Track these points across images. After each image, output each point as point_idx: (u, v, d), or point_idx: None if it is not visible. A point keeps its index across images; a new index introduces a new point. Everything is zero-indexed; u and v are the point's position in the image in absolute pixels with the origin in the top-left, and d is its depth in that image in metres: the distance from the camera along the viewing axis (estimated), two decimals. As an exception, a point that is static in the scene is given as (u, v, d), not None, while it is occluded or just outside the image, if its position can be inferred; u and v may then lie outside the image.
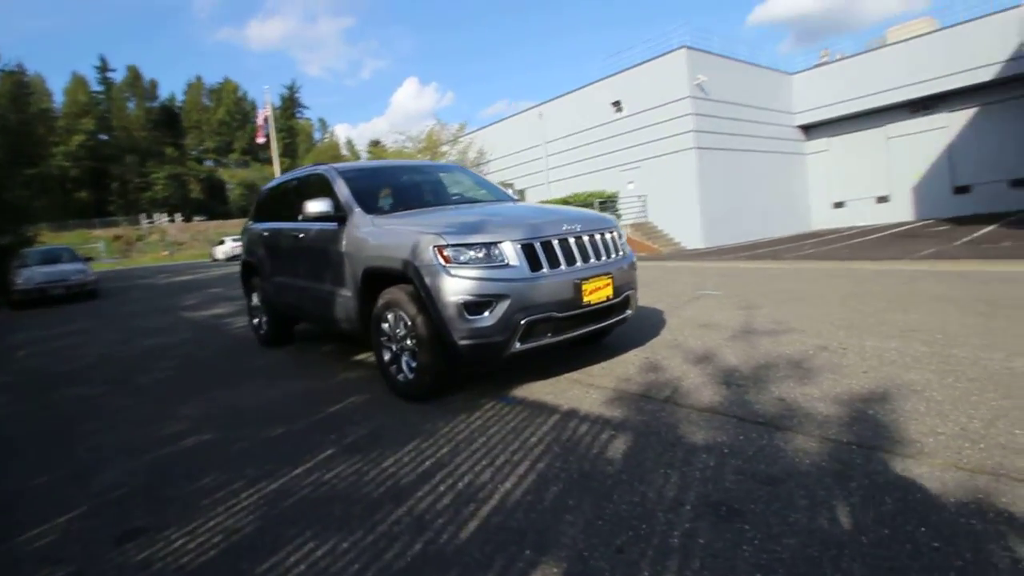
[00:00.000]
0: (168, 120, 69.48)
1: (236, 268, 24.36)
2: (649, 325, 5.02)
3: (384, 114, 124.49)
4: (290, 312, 5.16)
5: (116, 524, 2.34)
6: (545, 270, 3.33)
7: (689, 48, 18.87)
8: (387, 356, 3.67)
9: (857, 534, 1.84)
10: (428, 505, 2.25)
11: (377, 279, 3.69)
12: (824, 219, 23.23)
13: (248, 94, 78.51)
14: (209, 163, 74.77)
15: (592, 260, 3.58)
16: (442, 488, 2.38)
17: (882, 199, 21.90)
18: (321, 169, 4.67)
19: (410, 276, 3.32)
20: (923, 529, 1.84)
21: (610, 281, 3.59)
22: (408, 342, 3.47)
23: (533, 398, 3.42)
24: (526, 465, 2.52)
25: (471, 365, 3.74)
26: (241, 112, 75.70)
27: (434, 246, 3.25)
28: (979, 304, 4.88)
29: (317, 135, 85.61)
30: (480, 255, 3.23)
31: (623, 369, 3.83)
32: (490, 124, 27.15)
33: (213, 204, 66.22)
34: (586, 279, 3.43)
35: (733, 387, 3.29)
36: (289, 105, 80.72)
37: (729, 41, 20.61)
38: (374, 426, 3.18)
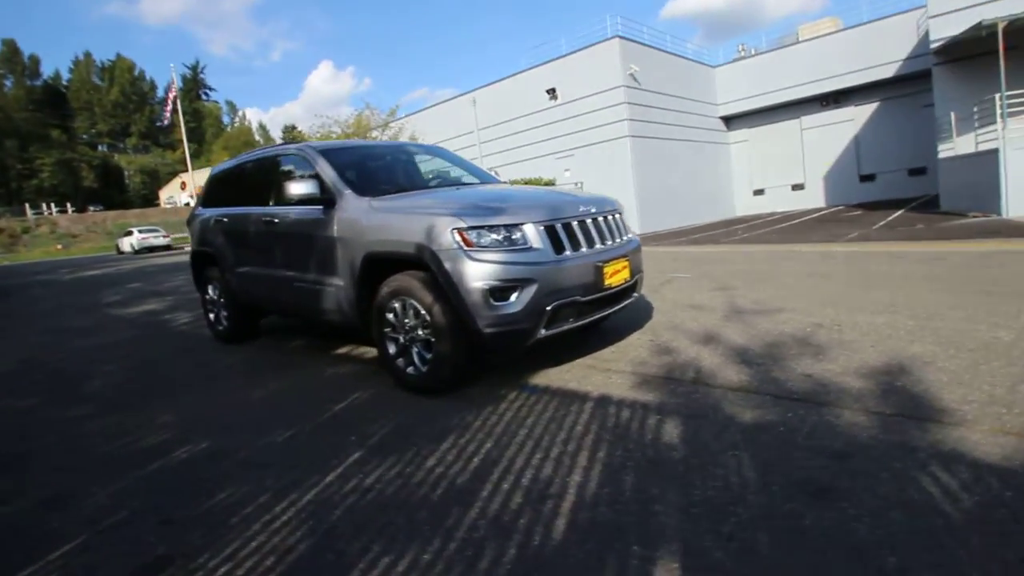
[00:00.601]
0: (53, 100, 62.75)
1: (150, 261, 22.64)
2: (638, 308, 5.01)
3: (298, 98, 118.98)
4: (260, 305, 4.72)
5: (132, 555, 1.99)
6: (568, 253, 3.20)
7: (622, 38, 19.19)
8: (392, 348, 3.42)
9: (953, 504, 1.86)
10: (500, 505, 2.08)
11: (379, 266, 3.41)
12: (746, 205, 24.54)
13: (146, 73, 72.28)
14: (103, 148, 68.24)
15: (608, 242, 3.49)
16: (505, 486, 2.21)
17: (797, 186, 23.41)
18: (295, 147, 4.28)
19: (426, 261, 3.08)
20: (1009, 493, 1.89)
21: (627, 263, 3.52)
22: (420, 332, 3.23)
23: (556, 386, 3.30)
24: (585, 455, 2.40)
25: (494, 354, 3.55)
26: (138, 93, 69.68)
27: (453, 228, 3.03)
28: (933, 281, 5.25)
29: (226, 119, 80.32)
30: (502, 238, 3.05)
31: (635, 352, 3.78)
32: (422, 109, 26.47)
33: (110, 193, 60.74)
34: (606, 262, 3.33)
35: (754, 366, 3.32)
36: (193, 86, 75.14)
37: (651, 34, 21.17)
38: (396, 423, 2.93)
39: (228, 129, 76.37)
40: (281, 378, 3.95)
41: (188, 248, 6.45)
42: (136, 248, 28.97)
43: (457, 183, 4.50)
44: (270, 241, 4.28)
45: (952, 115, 12.35)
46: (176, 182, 60.33)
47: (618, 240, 3.57)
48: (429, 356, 3.20)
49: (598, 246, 3.37)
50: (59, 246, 38.64)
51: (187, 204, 56.47)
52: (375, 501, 2.19)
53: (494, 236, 3.03)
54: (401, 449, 2.62)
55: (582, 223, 3.34)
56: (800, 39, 23.56)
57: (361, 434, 2.85)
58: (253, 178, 4.73)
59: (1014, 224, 9.41)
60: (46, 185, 54.47)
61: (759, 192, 24.52)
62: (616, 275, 3.40)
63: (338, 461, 2.56)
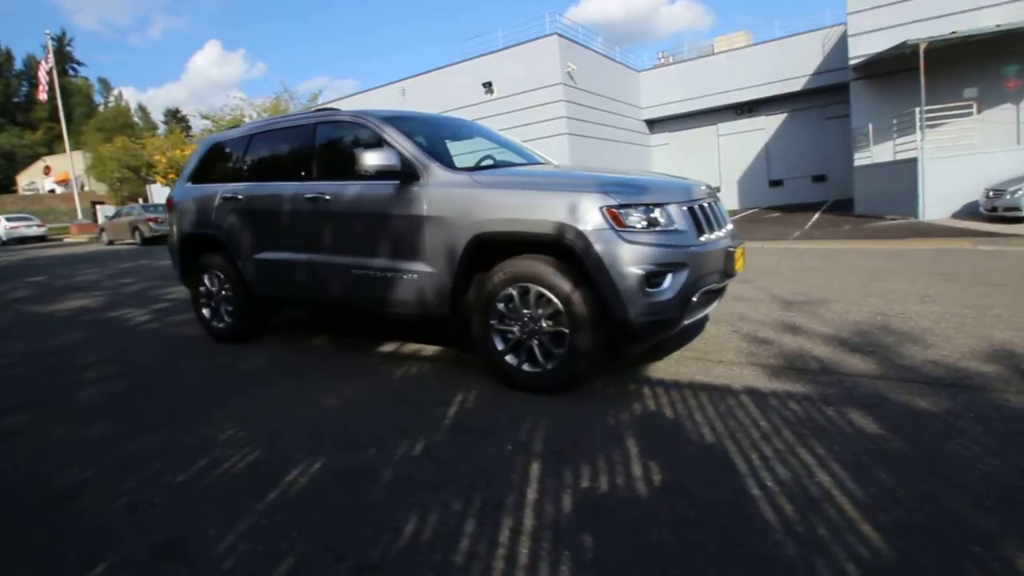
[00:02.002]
0: None
1: (29, 253, 19.51)
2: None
3: (180, 79, 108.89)
4: (286, 297, 4.04)
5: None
6: (706, 236, 2.99)
7: (560, 36, 19.32)
8: (501, 344, 3.02)
9: None
10: (774, 517, 1.80)
11: (492, 250, 3.00)
12: (667, 206, 25.67)
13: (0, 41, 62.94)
14: (-59, 123, 58.54)
15: (725, 228, 3.32)
16: (756, 491, 1.94)
17: (715, 189, 24.87)
18: (349, 114, 3.71)
19: (567, 244, 2.72)
20: None
21: (744, 250, 3.36)
22: (544, 324, 2.87)
23: (682, 379, 3.07)
24: (805, 452, 2.18)
25: (636, 344, 3.22)
26: (-12, 61, 60.43)
27: (603, 207, 2.70)
28: (931, 274, 5.63)
29: (98, 98, 71.77)
30: (651, 218, 2.76)
31: (732, 343, 3.64)
32: (345, 97, 25.06)
33: (-49, 175, 52.17)
34: (733, 248, 3.15)
35: (868, 354, 3.29)
36: (59, 59, 66.27)
37: (584, 34, 21.53)
38: (544, 427, 2.55)
39: (101, 109, 68.17)
40: (343, 381, 3.38)
41: (161, 232, 5.42)
42: (4, 239, 24.95)
43: (532, 161, 4.11)
44: (314, 222, 3.66)
45: (871, 126, 13.59)
46: (38, 166, 52.93)
47: (729, 226, 3.41)
48: (559, 351, 2.84)
49: (719, 231, 3.18)
50: None
51: (52, 191, 49.72)
52: (642, 524, 1.83)
53: (644, 216, 2.75)
54: (582, 456, 2.27)
55: (705, 208, 3.14)
56: (716, 51, 25.09)
57: (515, 441, 2.44)
58: (280, 149, 4.04)
59: (936, 226, 10.49)
60: None
61: (679, 193, 25.75)
62: (739, 261, 3.23)
63: (520, 475, 2.15)
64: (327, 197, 3.56)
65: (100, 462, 2.49)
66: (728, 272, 3.09)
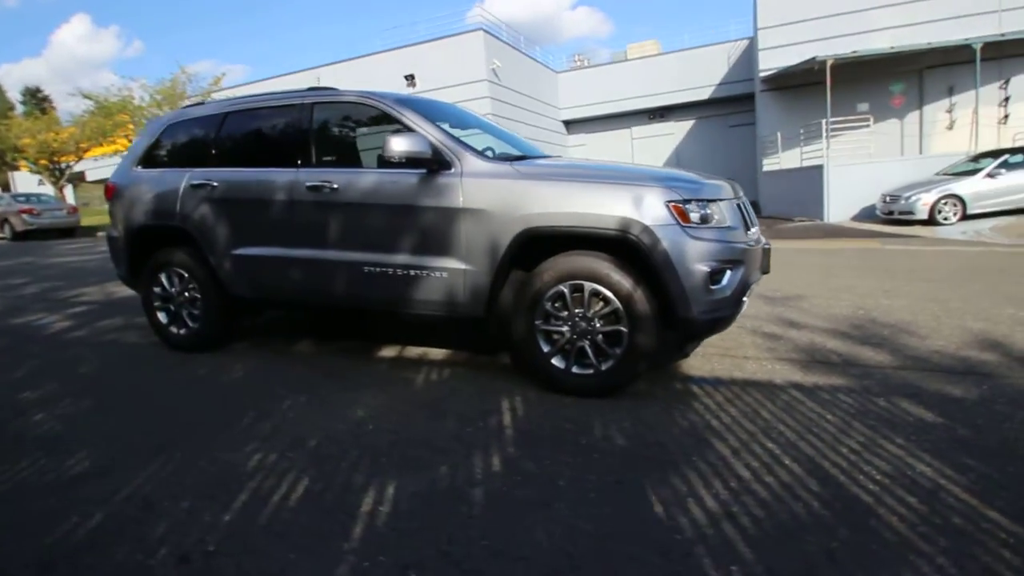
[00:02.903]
0: None
1: None
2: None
3: (41, 55, 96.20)
4: (272, 297, 3.58)
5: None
6: (751, 233, 3.00)
7: (486, 32, 19.19)
8: (547, 346, 2.85)
9: None
10: (907, 511, 1.81)
11: (536, 246, 2.81)
12: (585, 206, 26.37)
13: None
14: None
15: (756, 225, 3.36)
16: (872, 485, 1.94)
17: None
18: (355, 95, 3.34)
19: (634, 239, 2.61)
20: None
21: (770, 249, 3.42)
22: (596, 324, 2.74)
23: (723, 376, 3.08)
24: (891, 446, 2.22)
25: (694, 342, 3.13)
26: None
27: (668, 201, 2.62)
28: (872, 271, 6.15)
29: (-65, 68, 61.87)
30: (708, 213, 2.72)
31: (746, 339, 3.71)
32: (253, 82, 23.28)
33: None
34: (768, 245, 3.20)
35: (881, 346, 3.46)
36: None
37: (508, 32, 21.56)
38: (626, 436, 2.42)
39: (-62, 82, 58.61)
40: (361, 391, 3.03)
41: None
42: None
43: (537, 155, 3.93)
44: (315, 214, 3.26)
45: (779, 135, 14.73)
46: None
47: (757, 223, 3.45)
48: (615, 351, 2.72)
49: (755, 228, 3.21)
50: None
51: None
52: (795, 531, 1.75)
53: (704, 212, 2.69)
54: (680, 462, 2.16)
55: (746, 204, 3.16)
56: (628, 57, 26.12)
57: (598, 449, 2.29)
58: (266, 131, 3.57)
59: (843, 227, 11.56)
60: None
61: (596, 193, 26.52)
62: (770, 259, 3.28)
63: (629, 487, 2.01)
64: (334, 186, 3.19)
65: (106, 505, 2.03)
66: (765, 269, 3.13)
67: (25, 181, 29.71)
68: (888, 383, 2.88)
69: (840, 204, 12.49)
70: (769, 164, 15.50)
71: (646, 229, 2.59)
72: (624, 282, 2.64)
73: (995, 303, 4.34)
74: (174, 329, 3.88)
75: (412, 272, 3.05)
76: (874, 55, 12.51)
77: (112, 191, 4.03)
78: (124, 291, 6.55)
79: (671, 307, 2.64)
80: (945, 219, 10.55)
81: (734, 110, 22.42)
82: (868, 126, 13.74)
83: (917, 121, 14.19)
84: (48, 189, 23.48)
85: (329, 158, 3.38)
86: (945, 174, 11.40)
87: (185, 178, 3.67)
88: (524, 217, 2.77)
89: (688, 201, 2.65)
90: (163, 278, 3.83)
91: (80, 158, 22.70)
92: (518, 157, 3.32)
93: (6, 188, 28.90)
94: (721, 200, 2.80)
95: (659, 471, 2.11)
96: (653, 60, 24.12)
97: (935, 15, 13.05)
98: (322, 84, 21.71)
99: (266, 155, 3.51)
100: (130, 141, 22.52)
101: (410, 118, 3.12)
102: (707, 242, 2.64)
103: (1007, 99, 13.21)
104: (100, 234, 19.62)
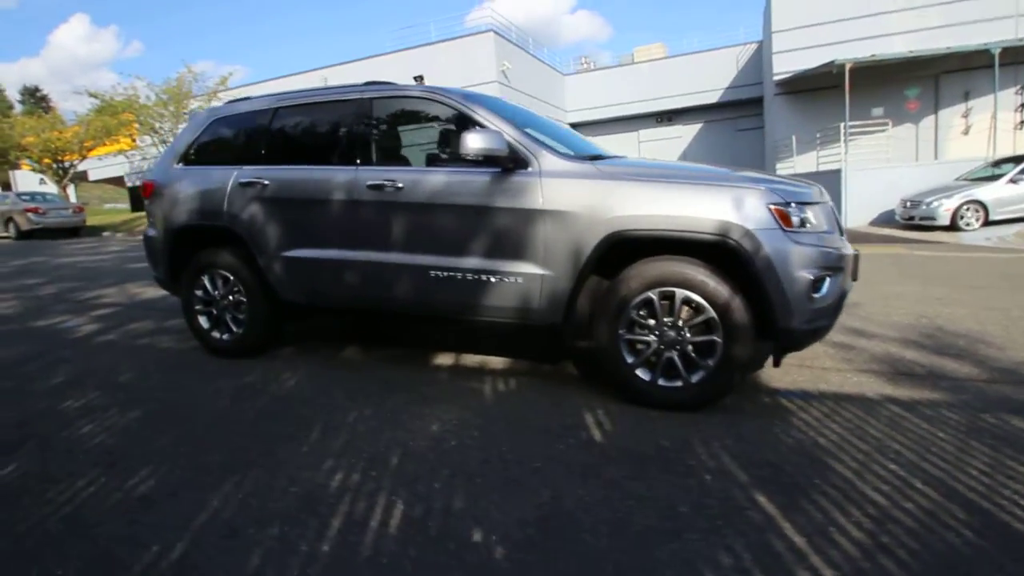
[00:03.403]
0: None
1: None
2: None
3: (39, 55, 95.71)
4: (333, 301, 3.40)
5: None
6: (843, 238, 2.84)
7: (496, 33, 19.07)
8: (632, 357, 2.69)
9: None
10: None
11: (620, 250, 2.65)
12: (591, 209, 26.25)
13: None
14: None
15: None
16: (1020, 510, 1.79)
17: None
18: (419, 90, 3.18)
19: (734, 244, 2.45)
20: None
21: (855, 255, 3.27)
22: (686, 333, 2.58)
23: (811, 389, 2.92)
24: (1027, 468, 2.08)
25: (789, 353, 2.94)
26: None
27: (769, 204, 2.47)
28: (910, 278, 6.02)
29: (-68, 66, 61.42)
30: (806, 217, 2.57)
31: (822, 350, 3.54)
32: (259, 82, 23.10)
33: None
34: (857, 252, 3.04)
35: (961, 357, 3.33)
36: None
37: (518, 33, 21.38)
38: (732, 454, 2.26)
39: (-66, 79, 58.17)
40: (430, 404, 2.86)
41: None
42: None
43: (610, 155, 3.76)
44: (377, 215, 3.09)
45: (794, 138, 14.63)
46: None
47: None
48: (707, 362, 2.56)
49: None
50: None
51: None
52: (958, 561, 1.59)
53: (802, 215, 2.54)
54: (802, 484, 2.00)
55: (833, 208, 3.00)
56: (635, 60, 26.04)
57: (707, 469, 2.13)
58: (321, 127, 3.40)
59: (864, 232, 11.45)
60: None
61: (602, 196, 26.40)
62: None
63: (757, 511, 1.85)
64: (398, 185, 3.02)
65: (185, 532, 1.85)
66: (854, 276, 2.97)
67: (26, 180, 29.39)
68: (986, 397, 2.74)
69: (858, 209, 12.39)
70: (783, 167, 15.40)
71: (747, 233, 2.43)
72: (721, 290, 2.49)
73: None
74: (216, 334, 3.70)
75: (483, 277, 2.89)
76: (893, 59, 12.43)
77: (151, 189, 3.85)
78: (147, 292, 6.38)
79: (770, 316, 2.49)
80: (967, 225, 10.45)
81: (742, 113, 22.37)
82: (885, 130, 13.65)
83: (932, 126, 14.12)
84: (50, 188, 23.19)
85: (390, 156, 3.22)
86: (965, 179, 11.30)
87: (233, 176, 3.50)
88: (611, 220, 2.61)
89: (789, 204, 2.49)
90: (206, 281, 3.65)
91: (84, 157, 22.43)
92: (594, 156, 3.16)
93: (7, 187, 28.57)
94: (815, 204, 2.65)
95: (783, 495, 1.95)
96: (660, 63, 24.05)
97: (950, 20, 13.00)
98: (330, 84, 21.59)
99: (321, 152, 3.35)
100: (134, 140, 22.29)
101: (481, 114, 2.96)
102: (809, 247, 2.48)
103: (1023, 105, 13.15)
104: (106, 234, 19.37)
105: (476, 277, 2.90)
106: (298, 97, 3.52)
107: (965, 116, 13.85)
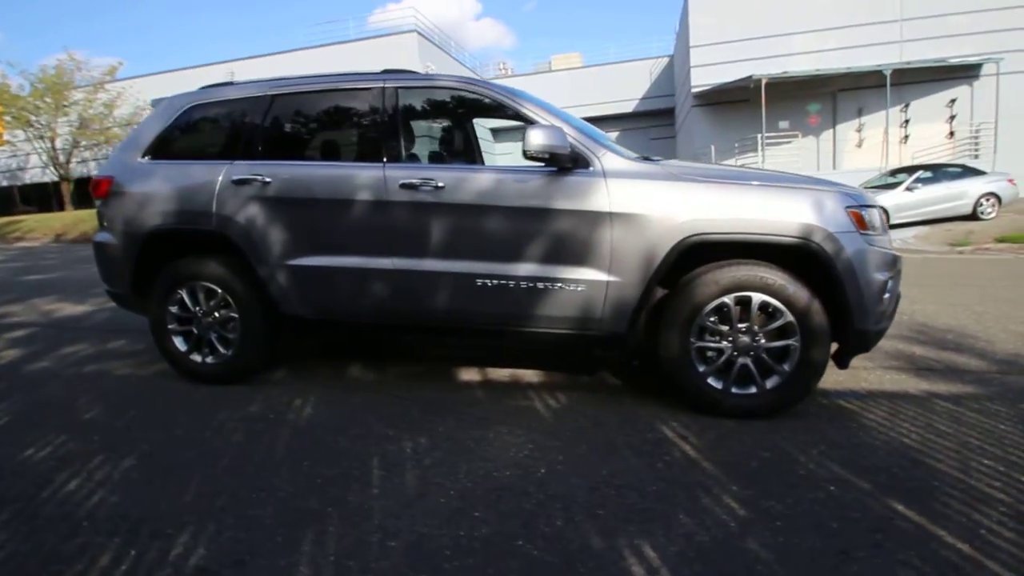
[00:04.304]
0: None
1: None
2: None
3: None
4: (349, 315, 3.00)
5: None
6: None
7: (420, 34, 18.66)
8: (703, 365, 2.58)
9: None
10: None
11: (693, 255, 2.54)
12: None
13: None
14: None
15: None
16: None
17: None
18: (455, 80, 2.91)
19: (816, 247, 2.40)
20: None
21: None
22: (762, 339, 2.52)
23: (860, 389, 2.97)
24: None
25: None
26: None
27: (848, 208, 2.46)
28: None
29: None
30: (875, 221, 2.60)
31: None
32: (154, 74, 20.96)
33: None
34: None
35: (965, 351, 3.52)
36: None
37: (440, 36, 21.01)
38: (835, 460, 2.20)
39: None
40: (487, 427, 2.58)
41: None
42: None
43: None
44: (412, 217, 2.76)
45: (712, 147, 15.51)
46: None
47: None
48: (783, 367, 2.51)
49: None
50: None
51: None
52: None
53: (872, 219, 2.56)
54: (931, 492, 1.98)
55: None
56: (552, 68, 26.60)
57: (825, 478, 2.05)
58: (332, 118, 3.00)
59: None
60: None
61: (524, 201, 26.64)
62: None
63: (941, 542, 1.79)
64: (438, 184, 2.72)
65: (287, 608, 1.48)
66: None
67: None
68: (1014, 388, 2.90)
69: (775, 214, 13.29)
70: (702, 175, 16.27)
71: (830, 236, 2.40)
72: (801, 294, 2.44)
73: (1017, 308, 4.63)
74: (197, 357, 3.17)
75: (540, 285, 2.66)
76: (803, 76, 13.54)
77: (106, 187, 3.23)
78: (63, 308, 5.46)
79: (847, 319, 2.47)
80: (871, 228, 11.52)
81: (655, 123, 23.50)
82: (792, 142, 14.83)
83: (831, 139, 15.54)
84: None
85: (421, 152, 2.90)
86: (866, 187, 12.48)
87: (222, 172, 3.00)
88: (687, 223, 2.48)
89: (862, 206, 2.50)
90: (184, 295, 3.11)
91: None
92: (644, 157, 3.03)
93: None
94: (874, 207, 2.69)
95: (915, 501, 1.90)
96: (578, 72, 24.74)
97: (846, 43, 14.39)
98: (236, 80, 19.98)
99: (334, 147, 2.97)
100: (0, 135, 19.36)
101: (532, 109, 2.75)
102: (880, 249, 2.51)
103: (907, 121, 14.83)
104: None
105: (531, 285, 2.67)
106: (300, 84, 3.09)
107: (859, 131, 15.38)
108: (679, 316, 2.55)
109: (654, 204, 2.53)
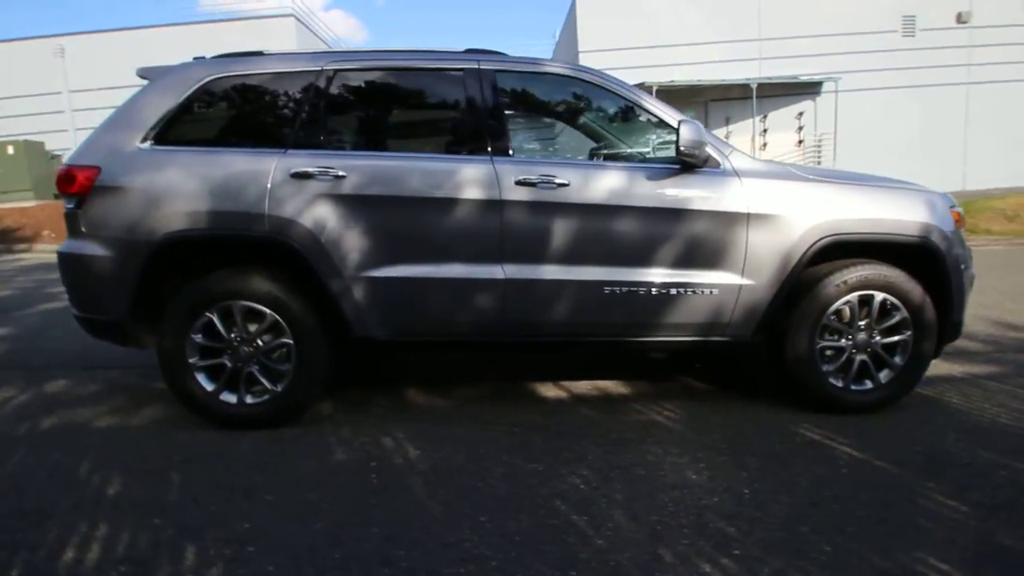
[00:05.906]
0: None
1: None
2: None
3: None
4: (447, 333, 2.56)
5: None
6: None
7: (298, 20, 17.16)
8: (824, 364, 2.61)
9: None
10: None
11: (834, 254, 2.56)
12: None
13: None
14: None
15: None
16: None
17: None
18: (565, 68, 2.64)
19: (933, 246, 2.53)
20: None
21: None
22: (877, 336, 2.61)
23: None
24: None
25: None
26: None
27: (951, 207, 2.63)
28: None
29: None
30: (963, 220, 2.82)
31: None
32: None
33: None
34: None
35: (976, 337, 3.87)
36: None
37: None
38: (992, 454, 2.33)
39: None
40: (626, 448, 2.35)
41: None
42: None
43: None
44: (530, 219, 2.43)
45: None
46: None
47: None
48: (895, 360, 2.61)
49: None
50: None
51: None
52: None
53: (963, 219, 2.78)
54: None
55: None
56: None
57: (978, 479, 2.17)
58: (417, 102, 2.53)
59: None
60: None
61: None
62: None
63: (1102, 502, 1.93)
64: (560, 182, 2.42)
65: None
66: None
67: None
68: (1024, 365, 3.32)
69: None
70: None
71: (944, 235, 2.55)
72: (916, 290, 2.56)
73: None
74: (231, 397, 2.51)
75: (672, 291, 2.50)
76: (688, 85, 14.70)
77: (87, 180, 2.43)
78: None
79: (947, 312, 2.64)
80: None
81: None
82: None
83: (704, 144, 17.09)
84: None
85: (531, 145, 2.57)
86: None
87: (273, 164, 2.41)
88: (826, 224, 2.49)
89: (956, 207, 2.69)
90: (216, 318, 2.44)
91: None
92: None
93: None
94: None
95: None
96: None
97: (715, 57, 15.89)
98: (64, 58, 16.70)
99: (421, 136, 2.54)
100: None
101: (652, 104, 2.56)
102: (967, 247, 2.72)
103: (765, 130, 16.76)
104: None
105: (663, 292, 2.50)
106: (367, 59, 2.57)
107: (727, 137, 17.06)
108: (808, 317, 2.54)
109: (791, 204, 2.50)
